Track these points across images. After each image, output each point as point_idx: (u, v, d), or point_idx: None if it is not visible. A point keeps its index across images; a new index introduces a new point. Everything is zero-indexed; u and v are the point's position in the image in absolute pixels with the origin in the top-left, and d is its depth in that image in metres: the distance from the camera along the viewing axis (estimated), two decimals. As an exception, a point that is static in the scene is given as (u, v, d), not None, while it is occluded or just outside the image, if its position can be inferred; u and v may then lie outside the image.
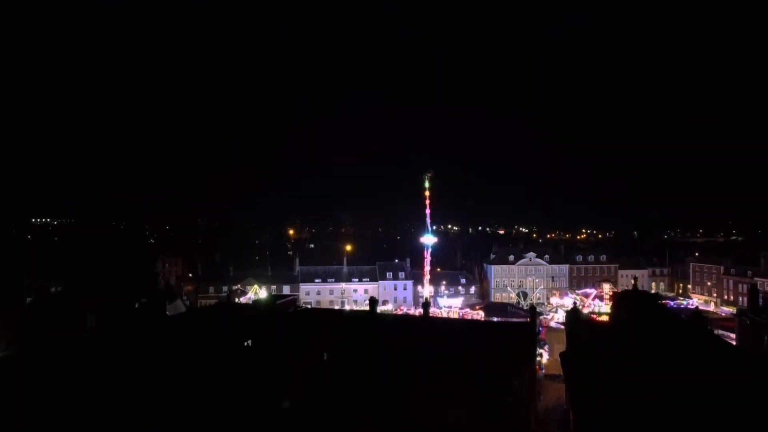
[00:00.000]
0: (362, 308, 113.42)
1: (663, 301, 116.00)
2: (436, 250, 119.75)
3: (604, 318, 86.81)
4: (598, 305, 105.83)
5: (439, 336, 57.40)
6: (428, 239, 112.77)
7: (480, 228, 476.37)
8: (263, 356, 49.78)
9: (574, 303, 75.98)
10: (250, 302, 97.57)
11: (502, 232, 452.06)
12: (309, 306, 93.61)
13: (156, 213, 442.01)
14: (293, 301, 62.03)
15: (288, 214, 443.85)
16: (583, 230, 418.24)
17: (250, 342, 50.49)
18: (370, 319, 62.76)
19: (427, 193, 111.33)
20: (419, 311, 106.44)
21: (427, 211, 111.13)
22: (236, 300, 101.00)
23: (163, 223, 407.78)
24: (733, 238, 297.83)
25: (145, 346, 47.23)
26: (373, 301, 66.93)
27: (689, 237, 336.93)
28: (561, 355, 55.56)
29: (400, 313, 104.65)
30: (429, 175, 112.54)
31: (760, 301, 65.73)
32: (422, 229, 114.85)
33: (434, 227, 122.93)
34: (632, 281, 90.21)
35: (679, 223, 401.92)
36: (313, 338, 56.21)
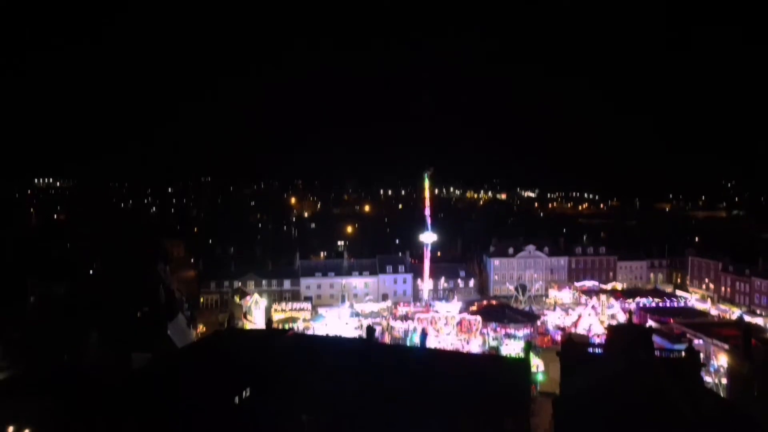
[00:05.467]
0: (362, 304, 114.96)
1: (661, 299, 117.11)
2: (437, 235, 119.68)
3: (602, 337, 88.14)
4: (598, 311, 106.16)
5: (435, 373, 58.24)
6: (428, 237, 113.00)
7: (482, 192, 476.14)
8: (260, 409, 50.99)
9: (569, 336, 76.35)
10: (251, 305, 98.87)
11: (503, 196, 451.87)
12: (307, 324, 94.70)
13: (157, 174, 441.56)
14: (292, 336, 62.92)
15: (291, 179, 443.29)
16: (585, 195, 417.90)
17: (248, 391, 51.61)
18: (366, 350, 63.70)
19: (426, 193, 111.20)
20: (418, 309, 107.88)
21: (427, 210, 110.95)
22: (237, 300, 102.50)
23: (164, 185, 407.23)
24: (735, 212, 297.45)
25: (142, 396, 48.38)
26: (370, 330, 67.94)
27: (690, 209, 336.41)
28: (554, 401, 56.77)
29: (399, 312, 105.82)
30: (429, 172, 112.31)
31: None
32: (422, 227, 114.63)
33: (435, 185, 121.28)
34: (627, 315, 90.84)
35: (681, 189, 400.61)
36: (310, 378, 57.37)
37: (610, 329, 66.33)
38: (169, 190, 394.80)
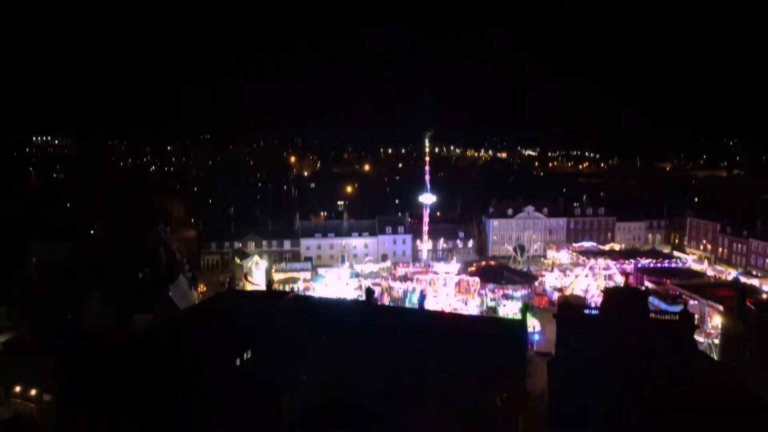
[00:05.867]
0: (361, 264, 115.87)
1: (658, 259, 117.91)
2: (437, 195, 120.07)
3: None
4: (596, 272, 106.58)
5: (433, 335, 59.12)
6: (427, 198, 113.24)
7: (482, 150, 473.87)
8: (261, 371, 52.04)
9: (566, 298, 77.11)
10: (252, 266, 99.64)
11: (504, 155, 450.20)
12: (307, 285, 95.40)
13: (156, 132, 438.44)
14: (292, 298, 63.75)
15: (290, 137, 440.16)
16: (586, 154, 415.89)
17: (249, 353, 52.62)
18: (365, 312, 64.63)
19: (427, 157, 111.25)
20: (417, 270, 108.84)
21: (427, 171, 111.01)
22: (238, 261, 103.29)
23: (163, 144, 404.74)
24: (736, 172, 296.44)
25: (144, 359, 49.30)
26: (369, 292, 68.90)
27: (691, 168, 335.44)
28: (549, 364, 57.81)
29: (398, 273, 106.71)
30: (429, 134, 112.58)
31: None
32: (422, 186, 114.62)
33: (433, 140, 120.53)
34: (623, 278, 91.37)
35: (683, 148, 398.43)
36: (310, 340, 58.39)
37: (606, 292, 66.83)
38: (168, 148, 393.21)
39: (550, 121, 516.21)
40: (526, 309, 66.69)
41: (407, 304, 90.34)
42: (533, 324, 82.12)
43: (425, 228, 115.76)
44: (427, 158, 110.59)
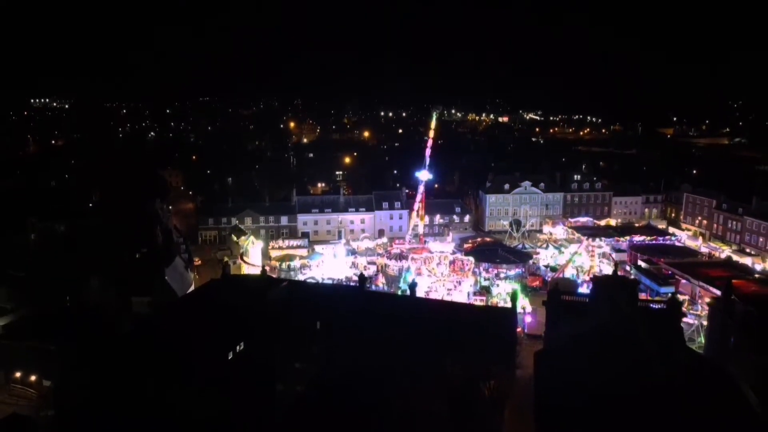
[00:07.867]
0: (358, 241, 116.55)
1: (653, 236, 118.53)
2: (436, 166, 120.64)
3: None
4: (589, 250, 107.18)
5: (423, 326, 60.06)
6: (423, 175, 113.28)
7: (483, 114, 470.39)
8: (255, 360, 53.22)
9: (555, 284, 77.65)
10: (248, 245, 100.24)
11: (505, 119, 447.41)
12: (305, 272, 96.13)
13: (155, 93, 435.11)
14: (286, 287, 64.70)
15: (290, 99, 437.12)
16: (588, 119, 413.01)
17: (242, 345, 53.75)
18: (359, 299, 65.66)
19: (431, 133, 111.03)
20: (413, 246, 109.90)
21: (428, 150, 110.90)
22: (235, 240, 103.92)
23: (162, 106, 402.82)
24: (737, 140, 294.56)
25: (140, 351, 50.31)
26: (362, 278, 69.89)
27: (694, 135, 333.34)
28: (536, 354, 58.97)
29: (393, 250, 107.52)
30: (438, 111, 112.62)
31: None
32: (421, 159, 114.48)
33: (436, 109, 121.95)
34: (613, 267, 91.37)
35: (686, 111, 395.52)
36: (304, 329, 59.47)
37: (595, 281, 67.71)
38: (167, 111, 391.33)
39: (554, 83, 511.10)
40: (516, 296, 67.59)
41: (402, 283, 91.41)
42: (524, 305, 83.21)
43: (416, 206, 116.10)
44: (431, 135, 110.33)
